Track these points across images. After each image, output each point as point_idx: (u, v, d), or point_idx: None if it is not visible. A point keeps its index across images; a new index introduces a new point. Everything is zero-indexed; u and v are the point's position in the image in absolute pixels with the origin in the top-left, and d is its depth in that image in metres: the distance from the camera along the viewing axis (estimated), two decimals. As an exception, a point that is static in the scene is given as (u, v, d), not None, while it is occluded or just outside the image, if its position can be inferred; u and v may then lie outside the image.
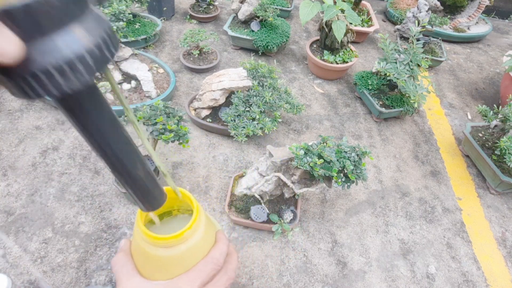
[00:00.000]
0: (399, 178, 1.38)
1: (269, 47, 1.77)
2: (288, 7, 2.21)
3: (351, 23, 1.68)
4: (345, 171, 0.92)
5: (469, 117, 1.75)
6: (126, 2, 1.43)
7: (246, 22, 1.85)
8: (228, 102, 1.38)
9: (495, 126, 1.46)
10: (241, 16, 1.81)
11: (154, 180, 0.34)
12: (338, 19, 1.57)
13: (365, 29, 2.04)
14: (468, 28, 2.33)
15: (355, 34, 1.77)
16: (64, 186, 1.16)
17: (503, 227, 1.27)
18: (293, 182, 0.98)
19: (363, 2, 2.28)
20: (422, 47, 1.50)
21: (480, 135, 1.47)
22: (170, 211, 0.47)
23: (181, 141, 0.98)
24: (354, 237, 1.16)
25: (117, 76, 1.42)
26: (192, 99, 1.45)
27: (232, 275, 0.40)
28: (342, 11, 1.61)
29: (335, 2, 1.56)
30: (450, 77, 2.01)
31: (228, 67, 1.74)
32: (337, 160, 0.90)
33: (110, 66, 1.40)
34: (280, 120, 1.33)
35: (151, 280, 0.39)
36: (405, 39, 2.06)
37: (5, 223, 1.05)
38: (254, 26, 1.79)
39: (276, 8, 1.80)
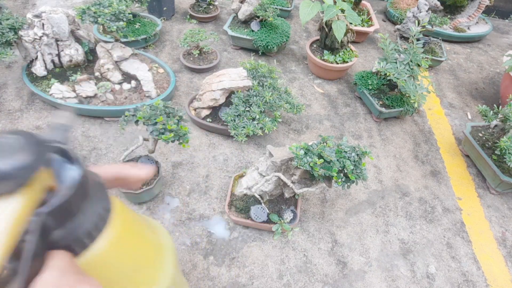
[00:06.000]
0: (399, 178, 1.38)
1: (269, 47, 1.77)
2: (288, 7, 2.21)
3: (351, 23, 1.67)
4: (345, 171, 0.92)
5: (469, 117, 1.75)
6: (126, 2, 1.42)
7: (246, 22, 1.85)
8: (228, 102, 1.38)
9: (495, 126, 1.46)
10: (241, 16, 1.81)
11: None
12: (338, 19, 1.57)
13: (365, 29, 2.04)
14: (468, 28, 2.33)
15: (355, 34, 1.77)
16: (64, 186, 1.16)
17: (503, 227, 1.27)
18: (293, 182, 0.98)
19: (363, 2, 2.28)
20: (422, 47, 1.50)
21: (480, 135, 1.47)
22: None
23: (181, 141, 0.98)
24: (354, 237, 1.16)
25: (117, 76, 1.42)
26: (192, 99, 1.45)
27: None
28: (342, 11, 1.61)
29: (335, 2, 1.56)
30: (450, 77, 2.01)
31: (228, 67, 1.74)
32: (337, 160, 0.90)
33: (111, 66, 1.40)
34: (280, 120, 1.33)
35: None
36: (405, 39, 2.06)
37: (5, 223, 1.05)
38: (254, 26, 1.79)
39: (276, 8, 1.80)
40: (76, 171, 0.27)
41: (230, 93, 1.36)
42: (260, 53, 1.86)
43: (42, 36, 1.32)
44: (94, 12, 1.30)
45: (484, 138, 1.46)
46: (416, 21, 1.67)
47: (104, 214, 0.30)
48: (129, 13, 1.39)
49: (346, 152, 0.93)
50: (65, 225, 0.26)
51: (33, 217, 0.23)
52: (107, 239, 0.30)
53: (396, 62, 1.48)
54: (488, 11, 2.70)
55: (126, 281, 0.34)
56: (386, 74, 1.48)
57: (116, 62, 1.44)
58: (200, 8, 2.08)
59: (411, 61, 1.47)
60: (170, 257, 0.41)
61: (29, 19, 1.31)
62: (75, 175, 0.27)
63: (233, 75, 1.32)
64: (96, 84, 1.40)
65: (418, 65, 1.48)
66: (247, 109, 1.29)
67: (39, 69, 1.36)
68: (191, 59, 1.70)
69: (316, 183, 0.99)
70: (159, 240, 0.41)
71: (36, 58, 1.36)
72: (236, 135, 1.26)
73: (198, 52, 1.70)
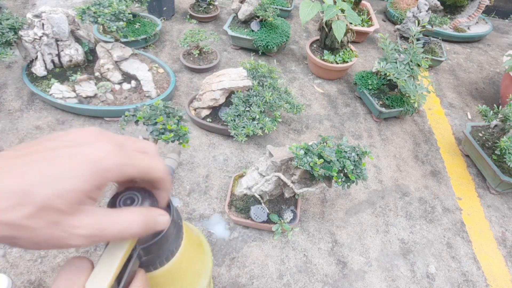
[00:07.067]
0: (399, 178, 1.38)
1: (269, 47, 1.77)
2: (288, 7, 2.21)
3: (351, 23, 1.67)
4: (345, 171, 0.92)
5: (469, 117, 1.75)
6: (126, 2, 1.42)
7: (246, 22, 1.85)
8: (228, 102, 1.38)
9: (495, 126, 1.46)
10: (241, 16, 1.81)
11: None
12: (338, 19, 1.57)
13: (365, 29, 2.04)
14: (468, 28, 2.33)
15: (355, 34, 1.77)
16: (64, 186, 1.16)
17: (503, 227, 1.27)
18: (293, 182, 0.98)
19: (363, 1, 2.28)
20: (422, 47, 1.50)
21: (480, 135, 1.47)
22: None
23: (181, 141, 0.98)
24: (354, 237, 1.16)
25: (117, 76, 1.42)
26: (192, 99, 1.45)
27: None
28: (342, 11, 1.61)
29: (335, 2, 1.56)
30: (450, 77, 2.01)
31: (228, 67, 1.74)
32: (337, 160, 0.90)
33: (111, 66, 1.40)
34: (280, 120, 1.33)
35: None
36: (405, 39, 2.06)
37: (5, 223, 1.05)
38: (254, 26, 1.79)
39: (276, 8, 1.80)
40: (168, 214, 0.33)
41: (230, 93, 1.36)
42: (260, 53, 1.86)
43: (42, 36, 1.32)
44: (94, 12, 1.30)
45: (484, 138, 1.46)
46: (416, 21, 1.67)
47: (179, 243, 0.36)
48: (129, 13, 1.39)
49: (346, 152, 0.93)
50: (150, 255, 0.32)
51: (134, 251, 0.30)
52: (175, 259, 0.36)
53: (396, 62, 1.48)
54: (488, 11, 2.70)
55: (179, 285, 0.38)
56: (386, 74, 1.48)
57: (116, 62, 1.44)
58: (200, 8, 2.08)
59: (411, 61, 1.47)
60: (209, 255, 0.44)
61: (29, 19, 1.31)
62: (168, 218, 0.32)
63: (233, 75, 1.32)
64: (96, 84, 1.40)
65: (418, 65, 1.48)
66: (247, 109, 1.29)
67: (39, 69, 1.36)
68: (191, 59, 1.70)
69: (316, 183, 0.99)
70: (200, 239, 0.45)
71: (36, 58, 1.36)
72: (236, 135, 1.26)
73: (198, 52, 1.70)
